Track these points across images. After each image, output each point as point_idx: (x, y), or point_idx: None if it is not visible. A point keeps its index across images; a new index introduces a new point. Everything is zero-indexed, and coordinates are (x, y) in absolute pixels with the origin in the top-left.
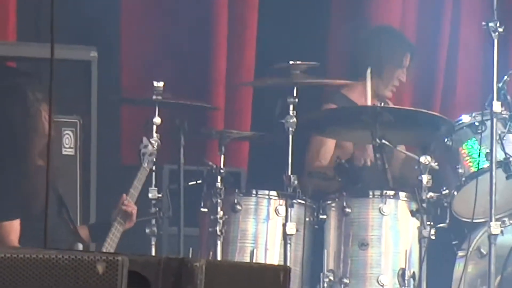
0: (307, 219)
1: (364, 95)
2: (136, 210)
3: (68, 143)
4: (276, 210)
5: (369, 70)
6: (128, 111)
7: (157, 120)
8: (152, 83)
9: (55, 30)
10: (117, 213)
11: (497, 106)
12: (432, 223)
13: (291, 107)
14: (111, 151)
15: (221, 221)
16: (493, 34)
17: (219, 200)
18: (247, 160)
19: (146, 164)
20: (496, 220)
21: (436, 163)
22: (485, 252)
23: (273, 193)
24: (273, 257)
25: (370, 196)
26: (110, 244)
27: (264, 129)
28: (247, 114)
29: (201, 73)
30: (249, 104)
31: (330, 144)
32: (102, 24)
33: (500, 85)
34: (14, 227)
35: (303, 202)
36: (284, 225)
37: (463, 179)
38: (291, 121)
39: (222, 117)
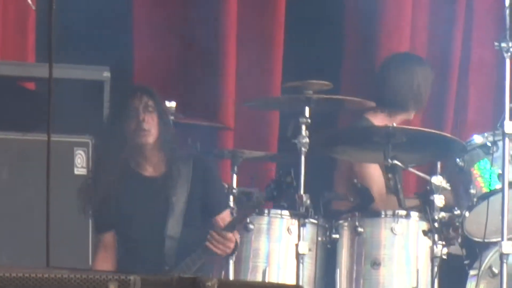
0: (319, 238)
1: (388, 122)
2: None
3: (80, 162)
4: (288, 230)
5: None
6: None
7: None
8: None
9: (68, 51)
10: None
11: (509, 126)
12: (443, 243)
13: (303, 127)
14: None
15: None
16: (505, 54)
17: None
18: (260, 180)
19: None
20: (508, 239)
21: (448, 184)
22: (496, 272)
23: (286, 212)
24: (286, 277)
25: (382, 216)
26: None
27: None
28: (273, 134)
29: (212, 93)
30: (266, 124)
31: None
32: (114, 44)
33: None
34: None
35: (316, 221)
36: (297, 245)
37: (475, 199)
38: (304, 141)
39: (232, 137)
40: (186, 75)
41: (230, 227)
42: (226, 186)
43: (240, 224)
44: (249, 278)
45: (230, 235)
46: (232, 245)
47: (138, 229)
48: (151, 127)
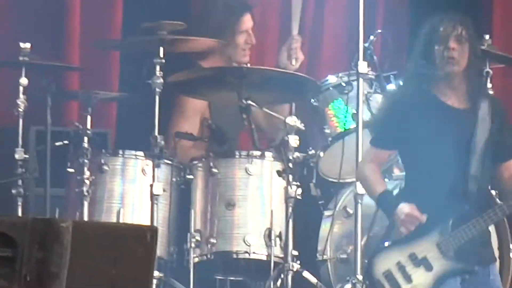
0: (174, 179)
1: (220, 63)
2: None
3: None
4: (143, 170)
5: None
6: None
7: (23, 81)
8: (18, 44)
9: None
10: None
11: (363, 67)
12: (298, 183)
13: (157, 67)
14: None
15: (87, 181)
16: None
17: (85, 161)
18: (115, 121)
19: None
20: None
21: (302, 124)
22: (351, 212)
23: (140, 153)
24: (140, 218)
25: (237, 156)
26: None
27: (132, 90)
28: (114, 74)
29: (58, 34)
30: (117, 64)
31: (199, 105)
32: None
33: (366, 45)
34: None
35: (170, 162)
36: (151, 186)
37: (330, 139)
38: (158, 81)
39: (79, 77)
40: (31, 17)
41: None
42: (81, 127)
43: None
44: (104, 219)
45: None
46: None
47: (435, 158)
48: (460, 57)
